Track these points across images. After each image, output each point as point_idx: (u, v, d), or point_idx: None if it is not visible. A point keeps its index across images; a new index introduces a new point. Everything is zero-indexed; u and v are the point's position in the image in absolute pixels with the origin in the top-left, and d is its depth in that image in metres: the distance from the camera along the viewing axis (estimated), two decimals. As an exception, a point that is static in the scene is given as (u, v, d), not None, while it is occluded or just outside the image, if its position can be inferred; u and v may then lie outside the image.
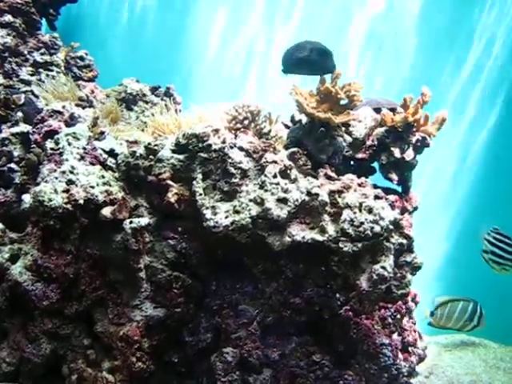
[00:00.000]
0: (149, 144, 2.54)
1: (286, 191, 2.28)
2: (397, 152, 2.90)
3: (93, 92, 3.63)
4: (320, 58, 2.46)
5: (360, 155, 2.97)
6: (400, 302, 2.83)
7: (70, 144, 2.58)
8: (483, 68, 4.38)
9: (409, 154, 2.94)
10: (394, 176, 2.96)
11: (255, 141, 2.52)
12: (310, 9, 4.50)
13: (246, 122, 2.65)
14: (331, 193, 2.35)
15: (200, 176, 2.40)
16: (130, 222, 2.36)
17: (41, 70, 3.63)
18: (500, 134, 4.38)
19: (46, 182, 2.44)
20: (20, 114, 2.98)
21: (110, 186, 2.47)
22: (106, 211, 2.37)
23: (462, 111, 4.44)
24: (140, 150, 2.53)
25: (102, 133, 2.76)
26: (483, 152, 4.46)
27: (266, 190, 2.28)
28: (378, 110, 3.03)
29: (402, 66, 4.42)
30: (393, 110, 3.01)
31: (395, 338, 2.87)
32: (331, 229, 2.27)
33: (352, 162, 3.00)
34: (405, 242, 2.41)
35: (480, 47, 4.38)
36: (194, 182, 2.39)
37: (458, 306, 3.53)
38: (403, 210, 2.93)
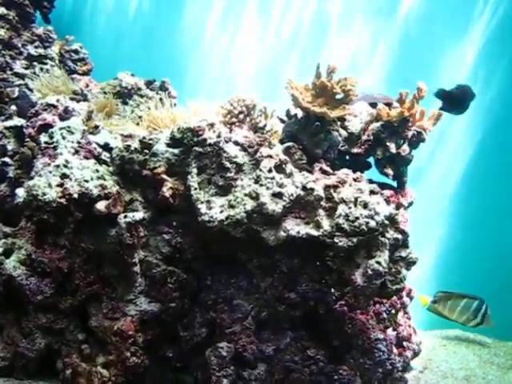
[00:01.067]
0: (143, 138, 2.52)
1: (281, 186, 2.27)
2: (392, 147, 2.90)
3: (87, 86, 3.61)
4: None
5: (355, 150, 2.97)
6: (395, 297, 2.83)
7: (64, 138, 2.56)
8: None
9: (404, 149, 2.94)
10: (390, 171, 2.96)
11: (250, 135, 2.51)
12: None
13: (242, 116, 2.64)
14: (326, 187, 2.35)
15: (195, 170, 2.39)
16: (125, 217, 2.35)
17: (35, 63, 3.61)
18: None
19: (39, 176, 2.42)
20: (14, 107, 2.96)
21: (105, 180, 2.46)
22: (101, 205, 2.36)
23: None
24: (135, 144, 2.51)
25: (97, 127, 2.75)
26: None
27: (261, 185, 2.28)
28: (373, 105, 3.03)
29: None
30: (388, 104, 3.01)
31: (390, 332, 2.88)
32: (326, 224, 2.27)
33: (347, 157, 3.00)
34: (400, 237, 2.41)
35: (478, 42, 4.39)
36: (189, 177, 2.38)
37: (462, 300, 3.57)
38: (398, 205, 2.93)
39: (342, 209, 2.26)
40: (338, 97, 2.58)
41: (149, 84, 3.85)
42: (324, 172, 2.50)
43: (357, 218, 2.22)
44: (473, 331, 4.07)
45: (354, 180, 2.43)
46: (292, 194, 2.27)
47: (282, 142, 2.64)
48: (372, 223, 2.22)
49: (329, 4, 4.48)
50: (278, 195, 2.26)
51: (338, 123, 2.74)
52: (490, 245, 4.32)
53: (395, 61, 4.42)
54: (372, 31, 4.46)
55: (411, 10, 4.39)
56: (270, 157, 2.35)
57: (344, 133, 2.82)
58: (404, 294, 2.99)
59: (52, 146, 2.55)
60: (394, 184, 3.06)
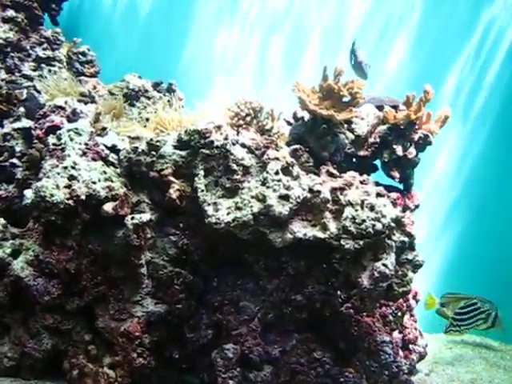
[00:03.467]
0: (151, 140, 2.53)
1: (287, 188, 2.27)
2: (399, 150, 2.90)
3: (95, 88, 3.62)
4: None
5: (362, 152, 2.98)
6: (401, 300, 2.83)
7: (72, 139, 2.58)
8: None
9: (411, 152, 2.94)
10: (396, 174, 2.96)
11: (257, 137, 2.52)
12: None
13: (249, 118, 2.65)
14: (333, 190, 2.35)
15: (202, 172, 2.39)
16: (132, 218, 2.36)
17: (43, 65, 3.62)
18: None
19: (47, 177, 2.44)
20: (22, 109, 2.97)
21: (112, 181, 2.47)
22: (108, 207, 2.37)
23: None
24: (142, 146, 2.52)
25: (104, 128, 2.76)
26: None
27: (268, 187, 2.28)
28: (380, 108, 3.03)
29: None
30: (395, 107, 3.01)
31: (396, 335, 2.87)
32: (333, 226, 2.27)
33: (354, 160, 3.00)
34: (406, 239, 2.41)
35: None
36: (196, 179, 2.39)
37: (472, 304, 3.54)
38: (405, 208, 2.93)
39: (348, 211, 2.26)
40: (344, 99, 2.59)
41: (156, 86, 3.86)
42: (331, 174, 2.51)
43: (363, 221, 2.22)
44: (479, 334, 4.06)
45: (361, 182, 2.44)
46: (299, 197, 2.28)
47: (288, 144, 2.65)
48: (378, 226, 2.22)
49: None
50: (284, 197, 2.26)
51: (345, 126, 2.75)
52: (496, 246, 4.31)
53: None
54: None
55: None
56: (277, 159, 2.35)
57: (351, 135, 2.82)
58: (410, 296, 2.98)
59: (60, 147, 2.56)
60: (401, 187, 3.06)
